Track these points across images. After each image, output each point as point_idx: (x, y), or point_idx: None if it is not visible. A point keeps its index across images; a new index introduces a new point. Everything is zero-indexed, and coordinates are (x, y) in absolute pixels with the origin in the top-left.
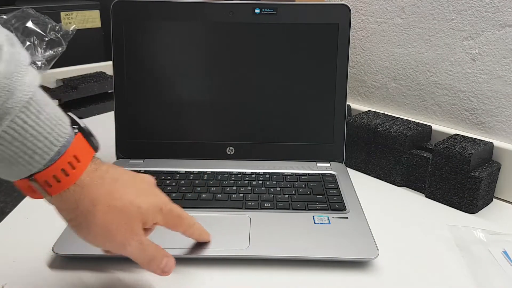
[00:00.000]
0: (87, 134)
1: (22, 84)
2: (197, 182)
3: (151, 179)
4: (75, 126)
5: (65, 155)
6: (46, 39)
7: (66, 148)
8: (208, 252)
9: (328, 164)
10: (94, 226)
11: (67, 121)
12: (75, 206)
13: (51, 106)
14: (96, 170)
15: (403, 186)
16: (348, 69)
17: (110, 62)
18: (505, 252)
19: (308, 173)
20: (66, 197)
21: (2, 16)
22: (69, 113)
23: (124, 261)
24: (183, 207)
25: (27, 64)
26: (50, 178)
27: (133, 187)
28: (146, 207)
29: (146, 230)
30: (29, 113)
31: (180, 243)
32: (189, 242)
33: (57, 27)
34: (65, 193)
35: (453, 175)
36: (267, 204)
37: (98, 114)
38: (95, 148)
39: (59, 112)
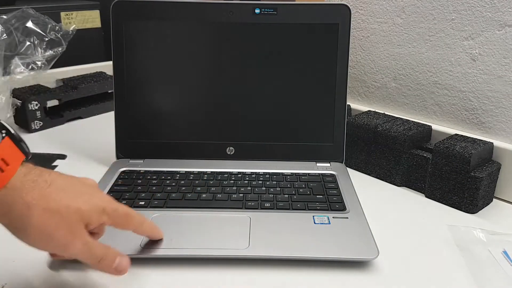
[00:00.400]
0: (16, 140)
1: None
2: (197, 182)
3: (92, 182)
4: (3, 131)
5: None
6: (46, 39)
7: None
8: (208, 252)
9: (328, 164)
10: (32, 229)
11: None
12: (8, 210)
13: None
14: (28, 174)
15: (403, 186)
16: (348, 69)
17: (110, 62)
18: (505, 252)
19: (308, 173)
20: None
21: (2, 16)
22: None
23: None
24: (184, 207)
25: None
26: None
27: (70, 190)
28: (86, 208)
29: (94, 234)
30: None
31: (180, 244)
32: (189, 242)
33: (57, 27)
34: None
35: (453, 175)
36: (267, 204)
37: (98, 114)
38: (26, 153)
39: None
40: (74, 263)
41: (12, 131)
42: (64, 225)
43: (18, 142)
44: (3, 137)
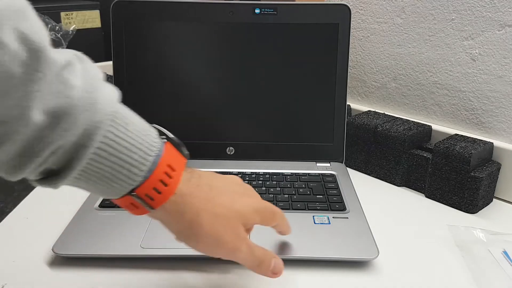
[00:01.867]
0: (176, 144)
1: (104, 96)
2: None
3: (238, 179)
4: (162, 137)
5: (160, 165)
6: None
7: (159, 158)
8: None
9: (328, 164)
10: (203, 235)
11: (154, 131)
12: (180, 217)
13: (136, 118)
14: (191, 178)
15: (403, 186)
16: (348, 69)
17: (110, 62)
18: (505, 252)
19: (308, 173)
20: (169, 209)
21: None
22: (154, 125)
23: (123, 261)
24: None
25: (102, 78)
26: (150, 190)
27: (228, 192)
28: (244, 210)
29: (246, 231)
30: (118, 126)
31: (180, 243)
32: None
33: (57, 27)
34: (167, 204)
35: (453, 175)
36: None
37: None
38: (186, 156)
39: (144, 123)
40: (74, 263)
41: (171, 135)
42: (230, 229)
43: (178, 146)
44: (164, 143)
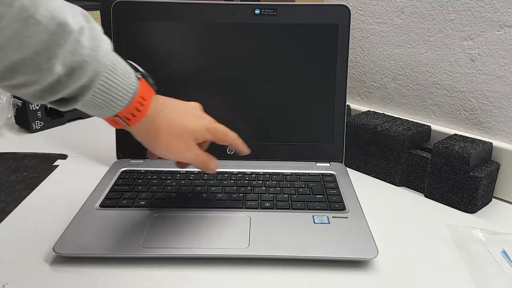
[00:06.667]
0: (146, 78)
1: (103, 52)
2: (197, 182)
3: (197, 105)
4: (138, 73)
5: (136, 98)
6: None
7: (136, 93)
8: (208, 251)
9: (328, 164)
10: (161, 145)
11: (133, 72)
12: (146, 134)
13: (120, 62)
14: (158, 105)
15: (402, 186)
16: (348, 69)
17: None
18: (504, 252)
19: (308, 173)
20: (140, 127)
21: None
22: (130, 61)
23: (124, 261)
24: (184, 207)
25: (102, 33)
26: (128, 114)
27: (184, 113)
28: (195, 128)
29: (202, 144)
30: (110, 73)
31: (181, 243)
32: (189, 242)
33: None
34: (139, 123)
35: (452, 175)
36: (267, 204)
37: None
38: (153, 87)
39: (126, 66)
40: (75, 263)
41: (142, 71)
42: (182, 142)
43: (148, 80)
44: (139, 79)
